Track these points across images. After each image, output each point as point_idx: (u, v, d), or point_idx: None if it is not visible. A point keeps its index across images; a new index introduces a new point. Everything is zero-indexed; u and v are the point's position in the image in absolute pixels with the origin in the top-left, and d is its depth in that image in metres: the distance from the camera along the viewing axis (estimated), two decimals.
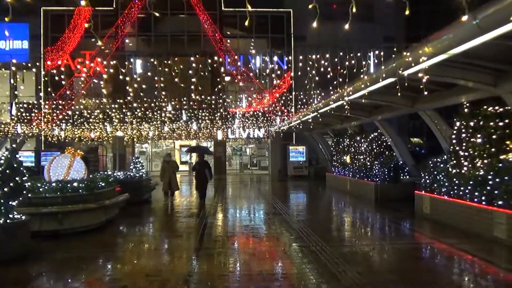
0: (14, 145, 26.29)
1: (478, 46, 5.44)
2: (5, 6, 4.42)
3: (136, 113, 20.34)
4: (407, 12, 3.80)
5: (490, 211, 7.97)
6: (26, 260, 6.67)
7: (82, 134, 23.42)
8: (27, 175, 6.97)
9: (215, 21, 28.12)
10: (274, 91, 26.39)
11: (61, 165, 9.27)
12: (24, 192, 6.91)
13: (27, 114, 20.61)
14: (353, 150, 17.43)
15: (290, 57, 27.84)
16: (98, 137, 24.04)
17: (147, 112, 22.27)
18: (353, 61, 7.80)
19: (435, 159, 11.03)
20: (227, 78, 29.29)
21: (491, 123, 8.81)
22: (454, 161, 9.92)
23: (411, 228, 9.60)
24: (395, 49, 6.49)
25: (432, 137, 31.80)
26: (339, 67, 8.47)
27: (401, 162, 14.48)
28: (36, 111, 21.05)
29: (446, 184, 9.82)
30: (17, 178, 6.76)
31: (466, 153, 9.55)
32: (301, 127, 17.45)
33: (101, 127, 21.60)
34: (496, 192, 7.88)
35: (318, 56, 7.37)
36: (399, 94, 7.00)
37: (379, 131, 15.51)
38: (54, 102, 24.11)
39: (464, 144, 9.64)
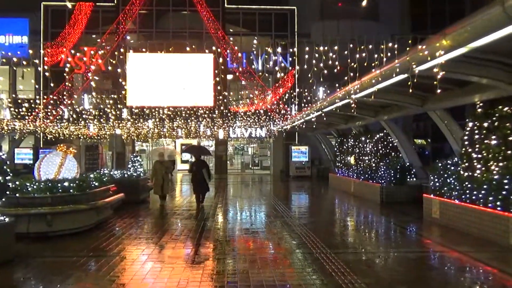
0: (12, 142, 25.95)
1: (502, 38, 4.93)
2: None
3: (133, 110, 19.77)
4: None
5: (506, 217, 7.47)
6: (10, 264, 6.23)
7: (80, 132, 22.98)
8: (11, 174, 6.50)
9: (218, 18, 27.65)
10: (277, 89, 25.91)
11: (52, 163, 8.81)
12: (8, 192, 6.44)
13: (24, 110, 20.18)
14: (357, 150, 16.93)
15: (294, 56, 27.36)
16: (96, 134, 23.61)
17: (144, 109, 21.80)
18: (362, 55, 7.23)
19: (444, 161, 10.51)
20: (230, 76, 28.90)
21: (507, 124, 8.29)
22: (466, 164, 9.40)
23: (420, 234, 9.09)
24: (409, 41, 5.96)
25: (437, 138, 31.39)
26: (348, 61, 7.89)
27: (407, 163, 13.97)
28: (34, 107, 20.62)
29: (457, 187, 9.31)
30: None
31: (479, 156, 9.04)
32: (304, 126, 16.97)
33: (96, 124, 21.09)
34: None
35: (325, 48, 6.89)
36: (410, 91, 6.46)
37: (385, 131, 14.99)
38: (53, 99, 23.68)
39: (477, 146, 9.12)
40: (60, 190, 8.34)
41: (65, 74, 24.75)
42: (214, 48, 20.75)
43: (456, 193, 9.33)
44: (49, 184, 8.32)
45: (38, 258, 6.69)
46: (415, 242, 8.40)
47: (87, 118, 20.91)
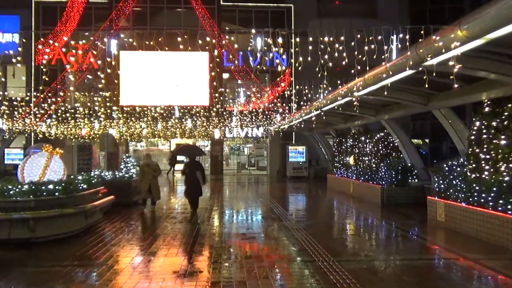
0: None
1: None
2: None
3: (124, 108, 19.10)
4: None
5: None
6: None
7: (70, 131, 22.35)
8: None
9: (213, 15, 27.12)
10: (274, 88, 25.45)
11: (36, 164, 8.28)
12: None
13: (12, 109, 19.54)
14: (357, 151, 16.50)
15: (291, 54, 26.90)
16: (89, 134, 23.01)
17: (136, 108, 21.17)
18: (365, 48, 6.76)
19: (449, 162, 10.11)
20: (225, 75, 28.40)
21: None
22: (473, 165, 8.99)
23: (427, 239, 8.66)
24: (422, 32, 5.50)
25: (435, 138, 31.08)
26: (350, 54, 7.38)
27: (409, 164, 13.56)
28: (23, 106, 19.97)
29: (464, 189, 8.88)
30: None
31: (488, 156, 8.62)
32: (302, 126, 16.50)
33: (86, 123, 20.43)
34: None
35: (331, 38, 6.44)
36: (415, 88, 5.98)
37: (385, 131, 14.57)
38: (43, 97, 23.05)
39: (485, 146, 8.71)
40: (44, 193, 7.81)
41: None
42: (209, 42, 20.18)
43: (462, 195, 8.90)
44: (33, 187, 7.79)
45: (17, 268, 6.18)
46: (422, 248, 7.95)
47: (76, 117, 20.24)
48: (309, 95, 14.20)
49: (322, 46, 6.77)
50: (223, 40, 26.60)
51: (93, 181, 9.47)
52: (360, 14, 26.64)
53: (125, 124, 20.79)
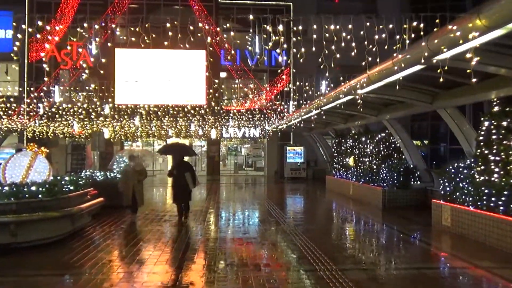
0: None
1: None
2: None
3: (116, 106, 18.45)
4: None
5: None
6: None
7: (63, 130, 21.79)
8: None
9: (211, 13, 26.64)
10: (272, 87, 24.99)
11: (19, 164, 7.77)
12: None
13: (5, 107, 18.98)
14: (357, 151, 16.04)
15: (289, 52, 26.46)
16: (81, 133, 22.45)
17: (128, 106, 20.57)
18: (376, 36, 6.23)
19: (455, 163, 9.66)
20: (223, 74, 27.91)
21: None
22: (482, 167, 8.54)
23: (433, 245, 8.20)
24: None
25: (435, 139, 30.66)
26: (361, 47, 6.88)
27: (411, 165, 13.12)
28: (15, 104, 19.43)
29: (472, 193, 8.44)
30: None
31: (498, 158, 8.18)
32: (301, 125, 16.03)
33: (76, 120, 19.82)
34: None
35: (336, 28, 5.98)
36: (440, 79, 5.42)
37: (387, 131, 14.13)
38: (35, 95, 22.49)
39: (494, 147, 8.26)
40: (27, 196, 7.30)
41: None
42: (206, 39, 19.66)
43: (470, 198, 8.46)
44: (14, 189, 7.29)
45: None
46: (429, 255, 7.50)
47: (65, 114, 19.64)
48: (310, 92, 13.69)
49: (324, 42, 6.30)
50: (218, 37, 26.11)
51: (80, 182, 8.95)
52: (360, 12, 26.26)
53: (115, 122, 20.17)
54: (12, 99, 22.63)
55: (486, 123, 8.54)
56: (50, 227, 7.52)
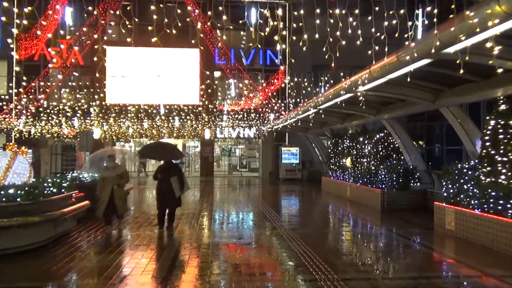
0: None
1: None
2: None
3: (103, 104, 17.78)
4: None
5: None
6: None
7: (52, 130, 21.14)
8: None
9: (205, 11, 26.13)
10: (267, 87, 24.55)
11: None
12: None
13: None
14: (354, 152, 15.62)
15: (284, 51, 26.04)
16: (69, 133, 21.81)
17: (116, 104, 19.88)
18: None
19: (459, 165, 9.26)
20: (217, 73, 27.42)
21: None
22: (488, 168, 8.15)
23: (438, 250, 7.78)
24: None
25: (431, 140, 30.37)
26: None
27: (411, 166, 12.74)
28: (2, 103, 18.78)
29: (478, 195, 8.05)
30: None
31: (505, 158, 7.79)
32: (298, 125, 15.59)
33: (60, 119, 19.15)
34: None
35: (342, 13, 5.54)
36: (460, 71, 4.93)
37: (385, 131, 13.73)
38: (24, 94, 21.83)
39: (501, 147, 7.87)
40: (4, 199, 6.77)
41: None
42: (199, 36, 19.14)
43: (476, 201, 8.07)
44: None
45: None
46: (436, 262, 7.07)
47: (51, 113, 18.99)
48: (308, 89, 13.23)
49: (328, 29, 5.86)
50: (215, 36, 25.62)
51: (65, 184, 8.42)
52: (360, 9, 25.83)
53: (103, 121, 19.55)
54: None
55: (492, 122, 8.15)
56: (29, 233, 6.99)
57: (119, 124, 20.52)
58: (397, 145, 13.37)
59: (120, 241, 7.98)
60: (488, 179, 8.08)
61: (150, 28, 6.73)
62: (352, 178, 15.12)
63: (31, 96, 21.22)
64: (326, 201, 15.57)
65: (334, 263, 6.33)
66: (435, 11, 4.51)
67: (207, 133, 24.05)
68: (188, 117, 21.04)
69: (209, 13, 24.28)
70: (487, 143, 8.23)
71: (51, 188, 7.91)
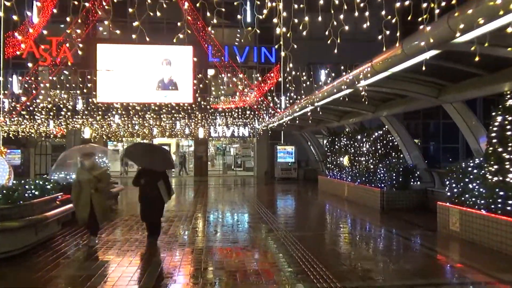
0: None
1: None
2: None
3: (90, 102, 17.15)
4: None
5: None
6: None
7: (41, 129, 20.51)
8: None
9: (198, 8, 25.60)
10: (262, 85, 24.10)
11: None
12: None
13: None
14: (352, 150, 15.24)
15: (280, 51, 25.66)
16: (58, 133, 21.19)
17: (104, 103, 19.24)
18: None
19: (463, 163, 8.89)
20: (211, 71, 26.91)
21: None
22: (495, 166, 7.77)
23: (445, 254, 7.38)
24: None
25: (427, 138, 30.14)
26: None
27: (411, 165, 12.36)
28: None
29: (484, 195, 7.68)
30: None
31: None
32: (297, 121, 15.14)
33: (42, 117, 18.49)
34: None
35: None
36: (475, 59, 4.50)
37: (384, 128, 13.36)
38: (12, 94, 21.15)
39: (510, 144, 7.49)
40: None
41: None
42: (192, 34, 18.64)
43: (482, 201, 7.69)
44: None
45: None
46: (445, 267, 6.66)
47: (34, 111, 18.35)
48: (304, 85, 12.79)
49: (332, 10, 5.42)
50: (209, 34, 25.11)
51: (48, 186, 7.92)
52: (353, 9, 25.49)
53: (92, 120, 18.93)
54: None
55: (499, 118, 7.76)
56: (8, 239, 6.48)
57: (109, 123, 19.93)
58: (396, 143, 13.00)
59: (108, 246, 7.49)
60: (496, 178, 7.70)
61: (136, 23, 6.25)
62: (349, 177, 14.74)
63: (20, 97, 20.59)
64: (323, 201, 15.16)
65: (336, 270, 5.91)
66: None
67: (201, 132, 23.56)
68: (180, 115, 20.51)
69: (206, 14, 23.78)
70: (494, 140, 7.85)
71: (33, 191, 7.41)
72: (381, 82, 8.20)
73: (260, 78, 23.65)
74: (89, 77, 16.13)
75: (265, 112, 21.87)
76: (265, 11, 4.71)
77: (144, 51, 24.84)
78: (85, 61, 23.77)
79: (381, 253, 7.38)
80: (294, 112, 13.19)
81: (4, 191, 6.54)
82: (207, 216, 11.09)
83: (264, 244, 7.75)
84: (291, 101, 14.42)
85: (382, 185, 12.23)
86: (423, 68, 5.75)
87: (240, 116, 22.28)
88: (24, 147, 24.27)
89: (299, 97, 12.74)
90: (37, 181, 7.81)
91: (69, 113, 18.03)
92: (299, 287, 5.24)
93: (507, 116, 7.61)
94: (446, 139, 28.08)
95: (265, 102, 22.29)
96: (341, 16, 5.03)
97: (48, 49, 24.86)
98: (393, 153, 13.18)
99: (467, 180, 8.42)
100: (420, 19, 4.24)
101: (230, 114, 22.49)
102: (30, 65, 20.86)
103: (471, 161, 8.71)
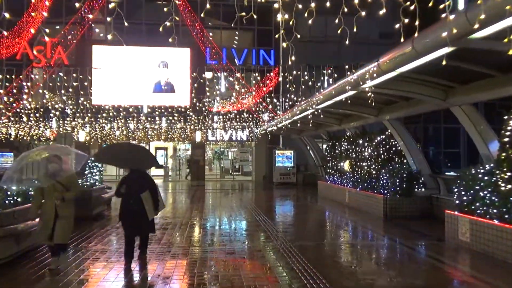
0: None
1: None
2: None
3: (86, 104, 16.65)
4: None
5: None
6: None
7: (34, 132, 20.00)
8: None
9: (196, 9, 25.20)
10: (261, 88, 23.68)
11: None
12: None
13: None
14: (353, 155, 14.78)
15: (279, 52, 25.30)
16: (51, 135, 20.68)
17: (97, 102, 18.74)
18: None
19: (472, 169, 8.43)
20: (208, 74, 26.50)
21: None
22: (509, 173, 7.31)
23: (458, 268, 6.90)
24: None
25: (426, 143, 29.76)
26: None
27: (415, 170, 11.91)
28: None
29: (497, 203, 7.23)
30: None
31: None
32: (298, 125, 14.70)
33: (30, 120, 17.98)
34: None
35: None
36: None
37: (387, 133, 12.91)
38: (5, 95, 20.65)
39: None
40: None
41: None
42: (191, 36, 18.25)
43: (495, 210, 7.24)
44: None
45: None
46: (460, 282, 6.17)
47: (21, 114, 17.84)
48: (302, 87, 12.34)
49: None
50: (206, 36, 24.71)
51: (32, 193, 7.40)
52: (350, 11, 25.15)
53: (84, 122, 18.41)
54: None
55: None
56: None
57: (102, 126, 19.43)
58: (399, 147, 12.55)
59: (95, 257, 6.98)
60: (509, 186, 7.23)
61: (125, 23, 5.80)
62: (351, 183, 14.28)
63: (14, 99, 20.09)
64: (324, 207, 14.68)
65: (341, 285, 5.43)
66: None
67: (198, 135, 23.08)
68: (175, 118, 20.02)
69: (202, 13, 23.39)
70: (507, 145, 7.41)
71: (16, 198, 6.91)
72: (386, 83, 7.77)
73: (258, 78, 23.25)
74: (81, 76, 15.56)
75: (264, 114, 21.43)
76: None
77: (141, 53, 24.44)
78: (81, 63, 23.34)
79: (388, 266, 6.89)
80: (294, 115, 12.73)
81: None
82: (203, 224, 10.59)
83: (263, 256, 7.25)
84: (290, 103, 13.94)
85: (385, 191, 11.77)
86: (433, 68, 5.34)
87: (238, 120, 21.83)
88: (17, 150, 23.74)
89: (299, 99, 12.25)
90: (20, 187, 7.29)
91: (58, 114, 17.50)
92: None
93: None
94: (448, 143, 27.69)
95: (263, 105, 21.86)
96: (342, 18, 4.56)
97: (43, 51, 24.46)
98: (396, 158, 12.73)
99: (477, 187, 7.96)
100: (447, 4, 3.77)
101: (227, 117, 22.04)
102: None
103: (481, 167, 8.26)
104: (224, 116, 22.18)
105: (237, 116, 22.00)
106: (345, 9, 4.25)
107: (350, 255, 7.66)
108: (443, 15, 4.20)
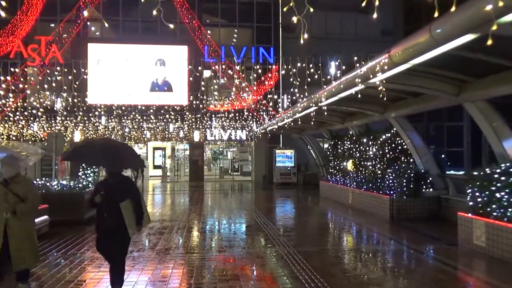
0: None
1: None
2: None
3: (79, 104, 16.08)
4: None
5: None
6: None
7: (27, 132, 19.45)
8: None
9: (193, 6, 24.68)
10: (260, 86, 23.19)
11: None
12: None
13: None
14: (357, 154, 14.28)
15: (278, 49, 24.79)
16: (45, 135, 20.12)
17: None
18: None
19: (488, 169, 7.93)
20: (207, 72, 25.97)
21: None
22: None
23: (475, 275, 6.41)
24: None
25: (431, 141, 29.31)
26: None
27: (422, 170, 11.42)
28: None
29: None
30: None
31: None
32: (299, 123, 14.18)
33: (19, 119, 17.43)
34: None
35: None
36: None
37: (392, 131, 12.42)
38: None
39: None
40: None
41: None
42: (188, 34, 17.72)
43: None
44: None
45: None
46: None
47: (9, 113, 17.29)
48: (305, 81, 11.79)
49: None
50: (205, 33, 24.21)
51: None
52: (351, 9, 24.67)
53: (76, 121, 17.84)
54: None
55: None
56: None
57: (96, 126, 18.89)
58: (405, 146, 12.05)
59: (85, 265, 6.47)
60: None
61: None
62: (354, 183, 13.77)
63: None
64: (327, 208, 14.17)
65: None
66: None
67: (196, 135, 22.56)
68: (172, 117, 19.48)
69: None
70: None
71: None
72: (395, 78, 7.26)
73: (256, 79, 22.74)
74: (75, 71, 15.03)
75: (264, 113, 20.92)
76: None
77: (137, 50, 23.90)
78: (76, 61, 22.80)
79: (401, 274, 6.39)
80: (296, 113, 12.22)
81: None
82: (201, 228, 10.07)
83: (265, 264, 6.74)
84: (293, 98, 13.38)
85: (391, 192, 11.28)
86: (447, 60, 4.86)
87: (237, 119, 21.31)
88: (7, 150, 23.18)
89: (301, 95, 11.73)
90: None
91: (48, 114, 16.95)
92: None
93: None
94: (452, 142, 27.19)
95: (263, 103, 21.35)
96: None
97: (37, 49, 23.89)
98: (403, 158, 12.24)
99: (493, 188, 7.46)
100: None
101: (226, 116, 21.53)
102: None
103: (496, 167, 7.76)
104: (223, 115, 21.67)
105: (236, 115, 21.48)
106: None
107: (358, 263, 7.14)
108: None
